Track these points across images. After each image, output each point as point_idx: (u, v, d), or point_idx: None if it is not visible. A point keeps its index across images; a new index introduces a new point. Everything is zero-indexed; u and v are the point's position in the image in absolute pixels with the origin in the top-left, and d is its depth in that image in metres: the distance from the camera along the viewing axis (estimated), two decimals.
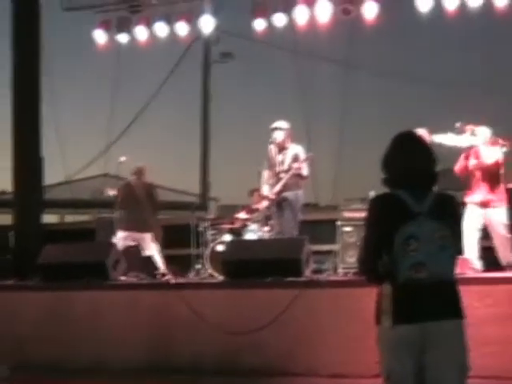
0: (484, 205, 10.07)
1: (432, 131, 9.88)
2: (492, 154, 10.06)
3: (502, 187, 10.18)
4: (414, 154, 4.42)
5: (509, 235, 10.05)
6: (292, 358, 9.25)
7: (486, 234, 10.24)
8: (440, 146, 10.10)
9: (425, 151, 4.50)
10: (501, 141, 10.05)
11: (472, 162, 10.14)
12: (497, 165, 10.07)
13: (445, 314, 4.23)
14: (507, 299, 8.65)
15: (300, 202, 11.43)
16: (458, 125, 10.19)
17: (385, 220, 4.25)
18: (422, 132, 9.40)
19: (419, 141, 4.55)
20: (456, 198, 4.68)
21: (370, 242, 4.36)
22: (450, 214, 4.38)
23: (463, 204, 10.08)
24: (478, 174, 10.13)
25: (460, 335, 4.34)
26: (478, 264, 9.98)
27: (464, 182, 10.28)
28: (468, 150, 10.15)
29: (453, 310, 4.31)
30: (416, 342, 4.16)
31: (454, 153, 10.30)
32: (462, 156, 10.24)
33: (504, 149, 10.01)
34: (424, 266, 4.12)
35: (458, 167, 10.31)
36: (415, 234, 4.14)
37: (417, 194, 4.28)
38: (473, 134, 10.16)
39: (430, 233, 4.15)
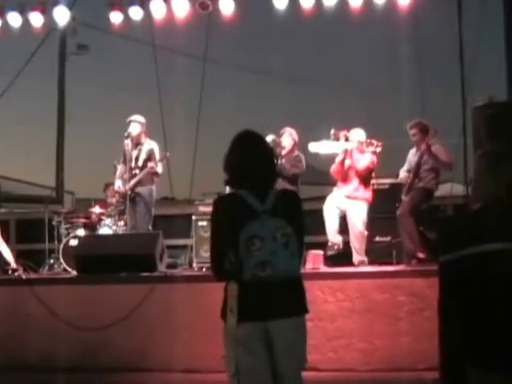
0: (348, 198, 10.33)
1: (307, 140, 10.15)
2: (363, 159, 10.32)
3: (369, 188, 10.48)
4: (254, 153, 4.50)
5: (365, 232, 10.33)
6: (145, 353, 9.24)
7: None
8: (316, 154, 10.35)
9: (264, 150, 4.58)
10: (374, 142, 10.32)
11: (347, 162, 10.38)
12: (367, 169, 10.37)
13: (287, 311, 4.33)
14: (359, 294, 8.89)
15: (153, 197, 11.44)
16: (332, 131, 10.41)
17: (229, 220, 4.32)
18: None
19: (258, 140, 4.63)
20: (297, 194, 4.79)
21: (215, 240, 4.43)
22: (293, 210, 4.49)
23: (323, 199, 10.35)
24: (351, 173, 10.38)
25: (300, 331, 4.44)
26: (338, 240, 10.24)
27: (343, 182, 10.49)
28: (344, 154, 10.38)
29: (295, 307, 4.41)
30: (260, 338, 4.26)
31: None
32: (339, 159, 10.44)
33: (378, 149, 10.29)
34: (268, 264, 4.20)
35: (333, 169, 10.51)
36: (258, 233, 4.22)
37: (259, 194, 4.36)
38: (347, 139, 10.39)
39: (272, 231, 4.24)
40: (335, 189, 10.52)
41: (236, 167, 4.50)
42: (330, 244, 10.32)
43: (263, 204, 4.35)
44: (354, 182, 10.38)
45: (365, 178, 10.42)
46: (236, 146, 4.54)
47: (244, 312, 4.22)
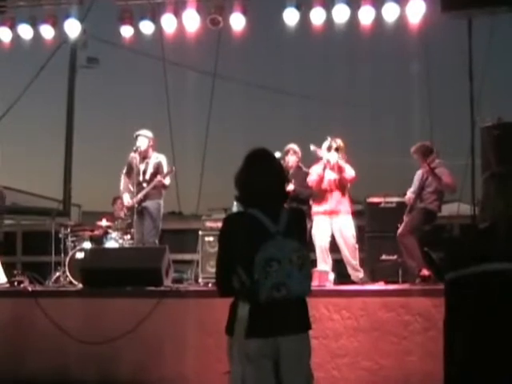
0: (332, 214, 10.31)
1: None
2: (350, 169, 10.35)
3: (348, 198, 10.49)
4: (265, 172, 4.51)
5: (356, 245, 10.32)
6: (149, 367, 9.21)
7: (335, 247, 10.49)
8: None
9: (276, 170, 4.60)
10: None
11: (331, 176, 10.34)
12: (354, 179, 10.38)
13: (296, 328, 4.42)
14: (364, 312, 8.86)
15: (161, 212, 11.44)
16: (328, 139, 10.43)
17: (241, 239, 4.35)
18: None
19: (270, 159, 4.64)
20: (304, 212, 4.80)
21: (223, 257, 4.46)
22: (303, 230, 4.62)
23: (309, 216, 10.31)
24: (331, 186, 10.37)
25: (308, 347, 4.52)
26: (331, 276, 10.22)
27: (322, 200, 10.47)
28: (325, 164, 10.37)
29: (302, 323, 4.50)
30: (270, 354, 4.31)
31: None
32: (317, 169, 10.42)
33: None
34: (284, 286, 4.25)
35: (314, 179, 10.46)
36: (276, 256, 4.26)
37: (270, 213, 4.39)
38: (337, 149, 10.39)
39: (289, 254, 4.29)
40: (316, 216, 10.45)
41: (248, 185, 4.52)
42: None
43: (276, 224, 4.38)
44: (336, 196, 10.37)
45: (346, 190, 10.44)
46: (249, 163, 4.56)
47: (255, 328, 4.29)
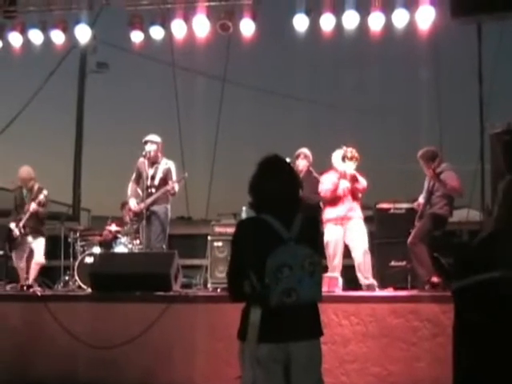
0: (344, 220, 10.30)
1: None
2: (363, 180, 10.35)
3: (359, 205, 10.48)
4: (279, 178, 4.52)
5: (368, 250, 10.28)
6: (158, 372, 9.22)
7: (346, 253, 10.48)
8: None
9: (290, 176, 4.61)
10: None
11: (344, 184, 10.35)
12: (365, 189, 10.40)
13: (307, 333, 4.43)
14: (373, 318, 8.85)
15: (168, 216, 11.45)
16: (344, 148, 10.44)
17: (254, 244, 4.36)
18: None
19: (284, 165, 4.66)
20: (318, 219, 4.79)
21: (235, 262, 4.48)
22: (316, 237, 4.66)
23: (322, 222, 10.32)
24: (345, 194, 10.37)
25: (319, 352, 4.53)
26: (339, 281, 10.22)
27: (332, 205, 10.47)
28: (341, 174, 10.39)
29: (314, 329, 4.51)
30: (281, 359, 4.32)
31: None
32: (331, 179, 10.42)
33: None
34: (294, 291, 4.26)
35: (328, 190, 10.45)
36: (288, 261, 4.26)
37: (284, 219, 4.40)
38: (355, 159, 10.40)
39: (301, 260, 4.30)
40: (329, 224, 10.45)
41: (261, 191, 4.53)
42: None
43: (289, 230, 4.39)
44: (348, 203, 10.36)
45: (358, 198, 10.44)
46: (262, 169, 4.57)
47: (267, 333, 4.29)
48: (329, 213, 10.42)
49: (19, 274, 11.67)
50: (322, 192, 10.47)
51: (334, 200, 10.39)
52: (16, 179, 12.01)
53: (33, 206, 11.54)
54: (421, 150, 10.51)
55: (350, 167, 10.37)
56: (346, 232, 10.30)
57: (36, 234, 11.73)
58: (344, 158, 10.40)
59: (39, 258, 11.66)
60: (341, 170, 10.36)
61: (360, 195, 10.50)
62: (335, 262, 10.23)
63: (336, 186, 10.33)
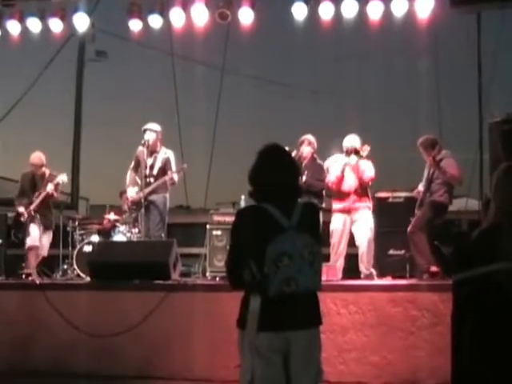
0: (350, 211, 10.32)
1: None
2: (369, 170, 10.34)
3: (369, 197, 10.48)
4: (279, 167, 4.53)
5: (372, 240, 10.30)
6: (157, 361, 9.23)
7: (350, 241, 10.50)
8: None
9: (290, 165, 4.61)
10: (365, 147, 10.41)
11: (350, 175, 10.36)
12: (372, 180, 10.41)
13: (306, 322, 4.43)
14: (371, 307, 8.86)
15: (167, 205, 11.45)
16: (345, 149, 10.45)
17: (253, 232, 4.36)
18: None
19: (284, 154, 4.67)
20: (318, 207, 4.79)
21: (235, 251, 4.48)
22: (316, 225, 4.63)
23: (330, 211, 10.35)
24: (351, 185, 10.37)
25: (318, 342, 4.53)
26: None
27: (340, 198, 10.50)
28: (343, 167, 10.41)
29: (313, 318, 4.50)
30: (280, 349, 4.32)
31: None
32: (335, 171, 10.43)
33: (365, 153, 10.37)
34: (293, 280, 4.26)
35: (332, 180, 10.47)
36: (288, 250, 4.27)
37: (284, 208, 4.40)
38: (356, 152, 10.39)
39: (301, 249, 4.30)
40: (336, 214, 10.49)
41: (261, 180, 4.53)
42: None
43: (289, 219, 4.39)
44: (355, 194, 10.37)
45: (365, 189, 10.44)
46: (262, 158, 4.57)
47: (266, 322, 4.29)
48: (336, 203, 10.46)
49: (29, 257, 11.58)
50: (329, 184, 10.55)
51: (342, 191, 10.43)
52: (27, 165, 11.96)
53: (50, 187, 11.53)
54: (421, 137, 10.51)
55: (352, 160, 10.37)
56: (352, 222, 10.33)
57: (45, 226, 11.72)
58: (348, 152, 10.41)
59: (44, 251, 11.69)
60: (343, 163, 10.38)
61: (368, 184, 10.49)
62: (339, 250, 10.27)
63: (339, 179, 10.36)
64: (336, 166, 10.49)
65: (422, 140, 10.44)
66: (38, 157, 11.86)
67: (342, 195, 10.46)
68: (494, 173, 4.39)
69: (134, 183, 11.46)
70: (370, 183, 10.55)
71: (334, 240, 10.31)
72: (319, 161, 10.91)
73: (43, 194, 11.56)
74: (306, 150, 10.89)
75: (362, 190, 10.43)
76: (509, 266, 3.80)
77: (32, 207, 11.56)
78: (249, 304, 4.34)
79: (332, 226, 10.34)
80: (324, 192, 10.73)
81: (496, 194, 4.18)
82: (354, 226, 10.37)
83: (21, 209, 11.63)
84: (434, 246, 10.04)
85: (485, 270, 3.86)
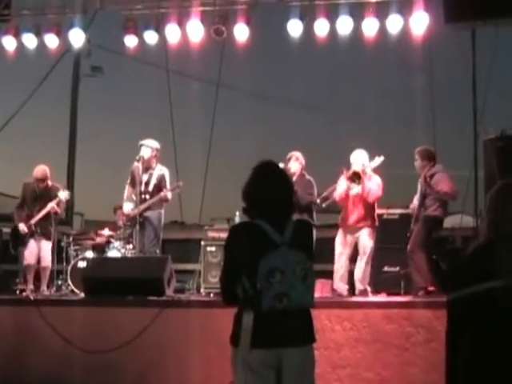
0: (353, 227, 10.32)
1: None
2: (374, 189, 10.33)
3: (375, 214, 10.48)
4: (273, 184, 4.54)
5: (369, 260, 10.28)
6: (150, 377, 9.21)
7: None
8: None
9: (283, 181, 4.62)
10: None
11: (355, 190, 10.36)
12: (378, 198, 10.41)
13: (299, 340, 4.42)
14: (366, 323, 8.84)
15: (162, 222, 11.43)
16: (344, 173, 10.45)
17: (246, 248, 4.36)
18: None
19: (278, 171, 4.68)
20: (311, 224, 4.79)
21: (229, 267, 4.48)
22: (309, 242, 4.62)
23: (322, 227, 10.35)
24: (355, 202, 10.38)
25: (311, 359, 4.52)
26: (342, 287, 10.23)
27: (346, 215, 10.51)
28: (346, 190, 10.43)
29: (306, 336, 4.49)
30: (273, 365, 4.32)
31: None
32: (344, 187, 10.44)
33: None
34: (285, 297, 4.27)
35: (340, 195, 10.49)
36: (279, 266, 4.27)
37: (277, 224, 4.40)
38: (360, 177, 10.38)
39: (293, 265, 4.31)
40: (340, 230, 10.49)
41: (255, 196, 4.54)
42: (334, 287, 10.28)
43: (282, 235, 4.40)
44: (359, 211, 10.37)
45: (371, 206, 10.44)
46: (256, 175, 4.58)
47: (258, 339, 4.28)
48: (342, 218, 10.48)
49: (26, 274, 11.50)
50: (336, 198, 10.58)
51: (346, 206, 10.48)
52: (30, 177, 11.81)
53: (51, 205, 11.45)
54: (420, 146, 10.51)
55: (355, 189, 10.37)
56: (354, 238, 10.34)
57: (45, 237, 11.61)
58: (351, 179, 10.39)
59: (47, 262, 11.55)
60: (345, 187, 10.40)
61: (373, 203, 10.49)
62: (337, 266, 10.28)
63: (346, 192, 10.39)
64: (341, 184, 10.49)
65: (421, 149, 10.45)
66: (42, 170, 11.71)
67: (346, 210, 10.47)
68: (489, 191, 4.39)
69: (131, 199, 11.43)
70: (376, 201, 10.53)
71: (337, 258, 10.35)
72: (308, 176, 10.89)
73: (45, 211, 11.49)
74: (294, 166, 10.84)
75: (367, 208, 10.41)
76: (503, 283, 3.80)
77: (32, 222, 11.49)
78: (242, 320, 4.33)
79: (335, 243, 10.37)
80: (313, 208, 10.70)
81: (489, 212, 4.19)
82: (357, 243, 10.37)
83: (21, 226, 11.48)
84: (432, 263, 10.03)
85: (479, 288, 3.85)
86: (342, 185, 10.49)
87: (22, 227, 11.45)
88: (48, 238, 11.62)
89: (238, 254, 4.40)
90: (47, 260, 11.57)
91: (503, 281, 3.79)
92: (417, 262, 10.04)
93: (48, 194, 11.63)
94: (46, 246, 11.60)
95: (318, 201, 10.68)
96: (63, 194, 11.62)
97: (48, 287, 11.52)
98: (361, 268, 10.23)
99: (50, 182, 11.74)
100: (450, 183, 10.14)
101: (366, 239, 10.31)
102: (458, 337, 3.97)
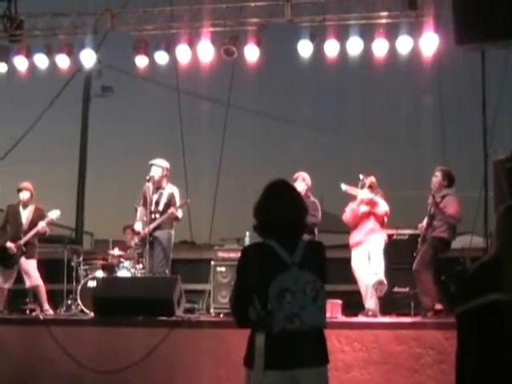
0: (364, 243, 10.34)
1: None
2: (383, 205, 10.39)
3: (384, 229, 10.51)
4: (285, 203, 4.51)
5: (380, 275, 10.27)
6: None
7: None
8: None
9: (295, 201, 4.59)
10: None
11: (364, 209, 10.40)
12: (386, 214, 10.45)
13: (313, 361, 4.39)
14: (375, 344, 8.82)
15: (172, 242, 11.39)
16: (361, 177, 10.51)
17: (258, 270, 4.35)
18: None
19: (290, 190, 4.65)
20: (323, 245, 4.79)
21: (241, 289, 4.46)
22: (320, 262, 4.55)
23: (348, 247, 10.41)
24: (364, 218, 10.42)
25: (324, 380, 4.51)
26: (374, 306, 10.22)
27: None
28: (359, 201, 10.47)
29: (320, 356, 4.48)
30: None
31: None
32: (353, 206, 10.48)
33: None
34: (297, 317, 4.24)
35: (348, 216, 10.53)
36: (290, 287, 4.26)
37: (288, 244, 4.39)
38: (370, 186, 10.45)
39: (303, 285, 4.29)
40: (354, 249, 10.52)
41: (266, 216, 4.52)
42: (366, 309, 10.28)
43: (292, 255, 4.38)
44: (368, 227, 10.42)
45: (379, 223, 10.48)
46: (269, 194, 4.57)
47: (272, 360, 4.25)
48: (351, 237, 10.53)
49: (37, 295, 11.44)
50: (344, 219, 10.68)
51: (355, 225, 10.53)
52: (15, 196, 11.79)
53: (41, 225, 11.45)
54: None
55: (365, 194, 10.42)
56: (366, 253, 10.37)
57: (30, 255, 11.50)
58: (362, 187, 10.50)
59: (36, 280, 11.41)
60: (359, 198, 10.46)
61: (382, 219, 10.53)
62: (362, 287, 10.31)
63: (355, 213, 10.40)
64: (352, 203, 10.59)
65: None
66: (26, 188, 11.71)
67: (356, 228, 10.51)
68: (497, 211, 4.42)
69: (143, 220, 11.41)
70: (385, 217, 10.56)
71: (359, 279, 10.39)
72: (313, 198, 10.89)
73: (34, 231, 11.43)
74: (300, 186, 10.82)
75: (376, 223, 10.45)
76: (506, 297, 3.81)
77: (21, 242, 11.39)
78: (255, 342, 4.32)
79: (352, 264, 10.43)
80: (316, 229, 10.70)
81: (497, 232, 4.20)
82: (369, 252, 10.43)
83: (8, 243, 11.35)
84: (439, 284, 9.99)
85: (484, 301, 3.86)
86: (349, 206, 10.56)
87: (10, 245, 11.36)
88: (32, 255, 11.55)
89: (250, 275, 4.39)
90: (36, 278, 11.42)
91: (507, 294, 3.80)
92: (423, 282, 10.03)
93: (34, 217, 11.59)
94: (31, 264, 11.49)
95: None
96: (53, 214, 11.59)
97: (50, 306, 11.46)
98: (375, 271, 10.27)
99: (33, 205, 11.73)
100: (457, 207, 10.17)
101: (374, 256, 10.33)
102: (466, 349, 3.97)
